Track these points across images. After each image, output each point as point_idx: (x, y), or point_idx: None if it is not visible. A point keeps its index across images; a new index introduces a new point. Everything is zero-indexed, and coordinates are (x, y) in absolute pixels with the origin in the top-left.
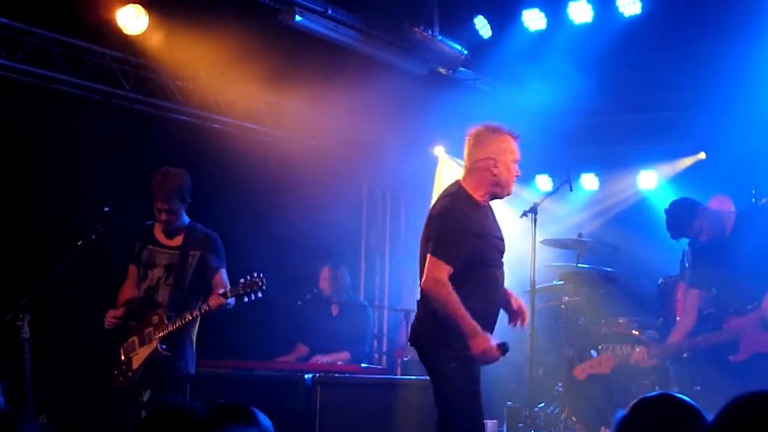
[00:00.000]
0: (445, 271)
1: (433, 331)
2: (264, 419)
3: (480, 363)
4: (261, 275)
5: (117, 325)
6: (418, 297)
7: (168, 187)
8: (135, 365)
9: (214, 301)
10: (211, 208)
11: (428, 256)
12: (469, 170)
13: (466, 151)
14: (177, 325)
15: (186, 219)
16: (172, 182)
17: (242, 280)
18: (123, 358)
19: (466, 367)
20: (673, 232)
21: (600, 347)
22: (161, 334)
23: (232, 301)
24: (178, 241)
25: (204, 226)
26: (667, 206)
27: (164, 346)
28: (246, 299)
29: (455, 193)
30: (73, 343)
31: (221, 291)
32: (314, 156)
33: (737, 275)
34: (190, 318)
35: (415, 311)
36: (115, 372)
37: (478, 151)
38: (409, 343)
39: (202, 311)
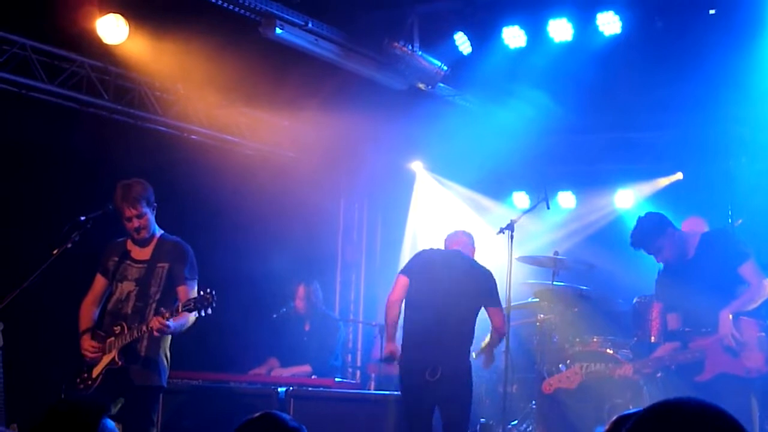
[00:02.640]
0: None
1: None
2: None
3: None
4: (212, 291)
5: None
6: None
7: (133, 194)
8: (95, 374)
9: (154, 323)
10: (187, 219)
11: (499, 308)
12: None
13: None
14: (134, 335)
15: (158, 230)
16: (135, 189)
17: (194, 296)
18: (85, 366)
19: None
20: (634, 241)
21: (568, 361)
22: (119, 343)
23: (174, 324)
24: (148, 253)
25: (178, 237)
26: (641, 216)
27: (123, 357)
28: (196, 314)
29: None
30: (47, 351)
31: (171, 308)
32: (292, 169)
33: (699, 296)
34: (145, 331)
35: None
36: (78, 380)
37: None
38: (438, 371)
39: (145, 330)
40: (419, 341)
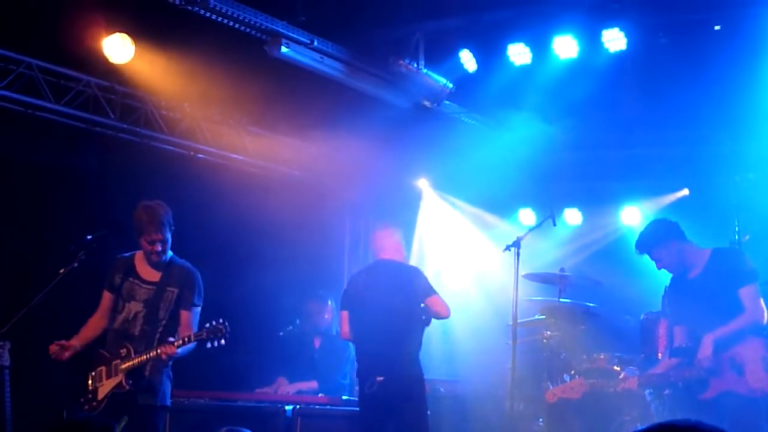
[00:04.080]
0: None
1: (419, 368)
2: None
3: None
4: (225, 322)
5: (60, 354)
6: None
7: (159, 218)
8: (100, 396)
9: (163, 350)
10: (194, 238)
11: (435, 296)
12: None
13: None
14: (141, 359)
15: (169, 253)
16: (160, 213)
17: (207, 325)
18: (90, 386)
19: None
20: (636, 245)
21: (572, 372)
22: (126, 367)
23: (183, 350)
24: (157, 276)
25: (186, 258)
26: (654, 220)
27: (130, 381)
28: (209, 345)
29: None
30: (55, 371)
31: (183, 336)
32: (298, 187)
33: (703, 313)
34: (154, 355)
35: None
36: (82, 400)
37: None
38: (379, 379)
39: (156, 355)
40: (363, 355)
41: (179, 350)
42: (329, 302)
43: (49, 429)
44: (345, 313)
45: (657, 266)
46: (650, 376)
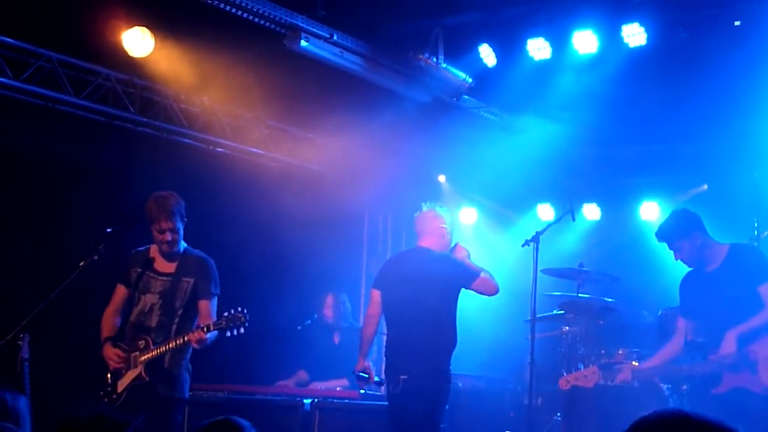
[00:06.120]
0: None
1: (447, 360)
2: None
3: None
4: (244, 310)
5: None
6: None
7: (169, 207)
8: (120, 388)
9: (193, 336)
10: (213, 231)
11: (477, 280)
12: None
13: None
14: (161, 350)
15: (183, 244)
16: (171, 202)
17: (225, 314)
18: (109, 380)
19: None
20: (658, 233)
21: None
22: (145, 358)
23: (211, 336)
24: (173, 267)
25: (205, 252)
26: (676, 210)
27: (149, 372)
28: (228, 333)
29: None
30: (74, 363)
31: (202, 325)
32: (316, 182)
33: (718, 308)
34: (174, 345)
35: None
36: (101, 393)
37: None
38: (403, 377)
39: (182, 342)
40: (390, 352)
41: (209, 335)
42: (330, 296)
43: (66, 422)
44: (376, 293)
45: (675, 256)
46: (645, 369)
